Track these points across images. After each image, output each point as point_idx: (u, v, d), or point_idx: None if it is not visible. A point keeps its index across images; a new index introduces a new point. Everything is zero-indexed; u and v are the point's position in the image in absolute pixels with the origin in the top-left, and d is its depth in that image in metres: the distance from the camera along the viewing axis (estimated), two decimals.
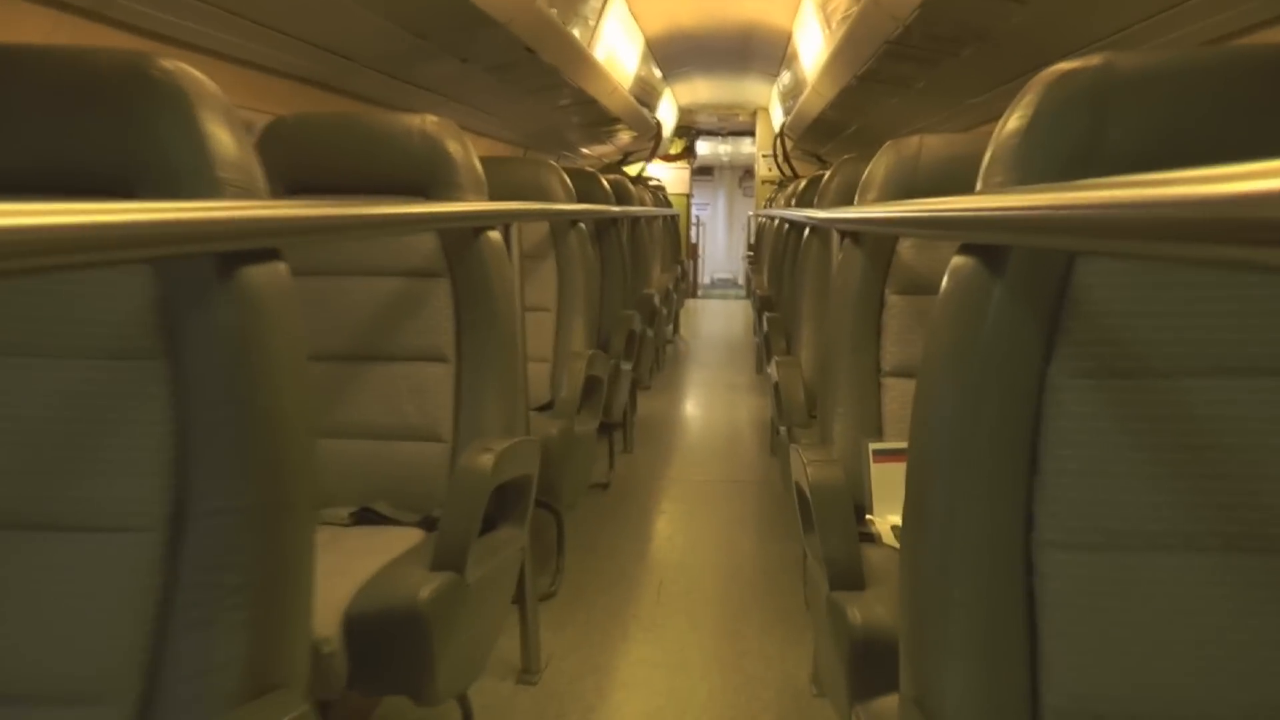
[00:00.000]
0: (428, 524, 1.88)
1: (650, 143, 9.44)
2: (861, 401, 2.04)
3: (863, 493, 1.93)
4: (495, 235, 2.06)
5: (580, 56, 4.85)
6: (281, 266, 1.09)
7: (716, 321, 10.75)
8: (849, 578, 1.58)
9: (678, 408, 5.89)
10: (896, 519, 1.87)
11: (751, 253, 13.77)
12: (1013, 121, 1.00)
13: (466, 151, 2.08)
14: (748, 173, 18.05)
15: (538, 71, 4.57)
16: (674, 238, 8.79)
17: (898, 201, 1.55)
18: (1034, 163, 0.97)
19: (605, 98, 6.03)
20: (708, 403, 6.05)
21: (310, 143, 2.04)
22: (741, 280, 16.63)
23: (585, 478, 3.09)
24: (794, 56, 6.88)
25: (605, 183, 4.23)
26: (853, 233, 2.08)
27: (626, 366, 3.99)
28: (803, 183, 4.25)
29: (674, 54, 7.80)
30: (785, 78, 8.47)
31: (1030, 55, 3.58)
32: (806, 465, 1.75)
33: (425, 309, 1.99)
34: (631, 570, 3.14)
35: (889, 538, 1.82)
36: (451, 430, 1.97)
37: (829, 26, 5.20)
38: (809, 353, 3.05)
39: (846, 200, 3.07)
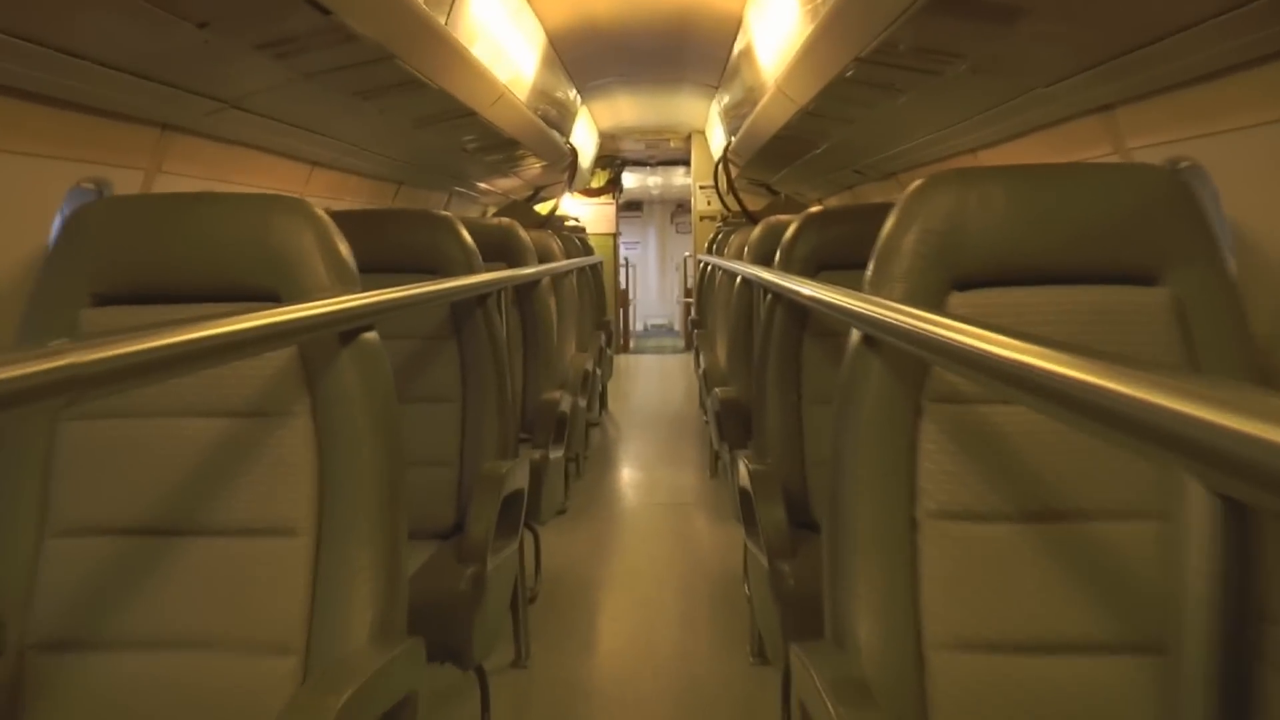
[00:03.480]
0: None
1: (564, 174, 7.79)
2: None
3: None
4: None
5: (431, 36, 3.17)
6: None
7: (652, 387, 9.05)
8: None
9: (606, 556, 4.06)
10: None
11: (690, 299, 12.24)
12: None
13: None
14: (680, 207, 16.66)
15: (361, 57, 2.89)
16: (597, 293, 7.08)
17: None
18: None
19: (490, 110, 4.36)
20: (651, 540, 4.26)
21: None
22: (678, 325, 15.08)
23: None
24: (746, 54, 5.29)
25: (464, 235, 2.57)
26: None
27: (507, 551, 2.37)
28: (790, 227, 2.63)
29: (587, 58, 6.18)
30: (730, 91, 6.90)
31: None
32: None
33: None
34: None
35: None
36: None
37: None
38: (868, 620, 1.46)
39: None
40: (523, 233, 3.61)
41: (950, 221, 1.45)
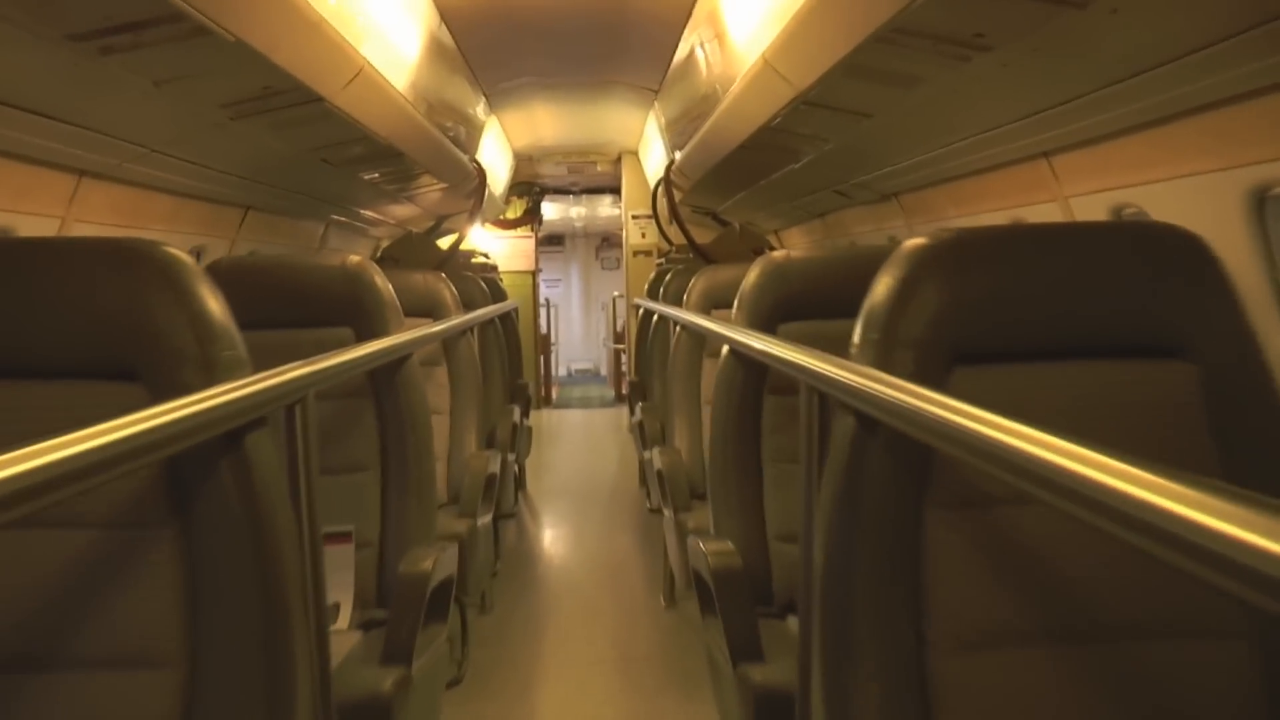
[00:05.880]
0: None
1: (470, 199, 6.43)
2: None
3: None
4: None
5: None
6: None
7: (579, 457, 7.67)
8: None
9: None
10: None
11: (620, 345, 10.92)
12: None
13: None
14: (606, 240, 15.42)
15: None
16: (512, 349, 5.66)
17: None
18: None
19: (345, 96, 3.00)
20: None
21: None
22: (605, 370, 13.78)
23: None
24: (710, 23, 4.01)
25: (203, 297, 1.20)
26: None
27: None
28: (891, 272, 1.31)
29: (493, 46, 4.85)
30: (676, 95, 5.63)
31: None
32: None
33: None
34: None
35: None
36: None
37: None
38: None
39: None
40: (379, 279, 2.25)
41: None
